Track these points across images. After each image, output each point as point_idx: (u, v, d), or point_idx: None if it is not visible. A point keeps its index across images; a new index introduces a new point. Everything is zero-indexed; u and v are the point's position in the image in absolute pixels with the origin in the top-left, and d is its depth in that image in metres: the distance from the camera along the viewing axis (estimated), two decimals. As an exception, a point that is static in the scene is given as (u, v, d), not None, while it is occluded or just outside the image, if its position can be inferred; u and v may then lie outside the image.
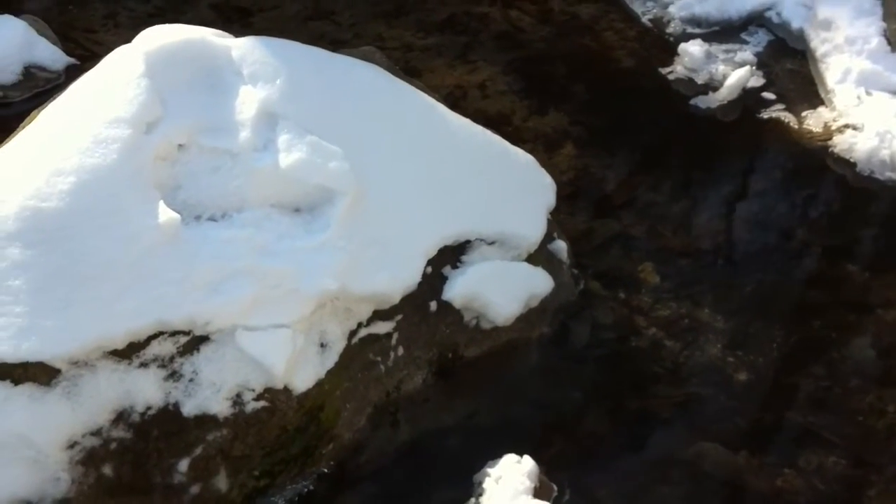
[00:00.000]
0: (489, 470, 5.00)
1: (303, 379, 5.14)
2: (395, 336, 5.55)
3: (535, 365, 5.95)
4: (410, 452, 5.40)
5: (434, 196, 5.73)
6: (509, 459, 4.96)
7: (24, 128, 5.41)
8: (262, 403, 5.03)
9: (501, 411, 5.64)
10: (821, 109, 7.77)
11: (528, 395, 5.77)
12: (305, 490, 5.19)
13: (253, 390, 5.03)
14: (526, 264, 5.90)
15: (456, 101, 6.31)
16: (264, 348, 4.98)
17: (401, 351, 5.60)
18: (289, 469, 5.23)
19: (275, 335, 5.01)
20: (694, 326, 6.20)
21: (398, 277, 5.45)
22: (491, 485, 4.88)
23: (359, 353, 5.42)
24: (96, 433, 4.83)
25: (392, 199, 5.56)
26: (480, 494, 4.96)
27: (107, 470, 4.84)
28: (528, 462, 4.92)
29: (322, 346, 5.26)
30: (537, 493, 4.87)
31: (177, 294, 4.92)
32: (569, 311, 6.19)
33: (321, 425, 5.25)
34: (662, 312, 6.29)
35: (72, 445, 4.78)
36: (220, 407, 5.00)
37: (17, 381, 4.79)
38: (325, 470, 5.28)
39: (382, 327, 5.48)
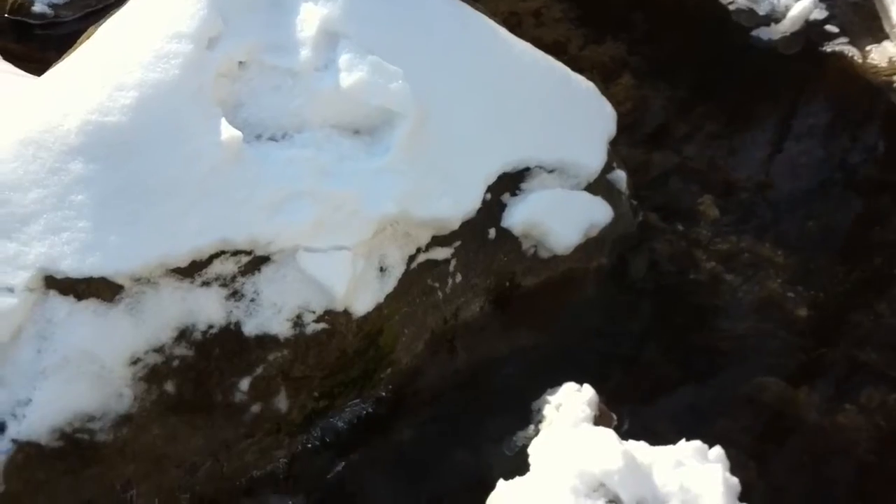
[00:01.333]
0: (549, 398, 4.96)
1: (362, 302, 5.08)
2: (454, 263, 5.48)
3: (593, 296, 5.87)
4: (468, 379, 5.36)
5: (495, 122, 5.63)
6: (569, 388, 4.91)
7: (81, 44, 5.33)
8: (322, 326, 4.99)
9: (559, 341, 5.58)
10: (885, 44, 7.55)
11: (585, 325, 5.70)
12: (364, 413, 5.18)
13: (313, 312, 4.98)
14: (586, 193, 5.80)
15: (511, 29, 6.15)
16: (325, 270, 4.92)
17: (458, 278, 5.53)
18: (348, 392, 5.20)
19: (335, 257, 4.96)
20: (754, 261, 6.09)
21: (458, 203, 5.37)
22: (551, 412, 4.84)
23: (417, 279, 5.36)
24: (159, 350, 4.81)
25: (453, 124, 5.45)
26: (540, 421, 4.92)
27: (169, 387, 4.83)
28: (588, 391, 4.88)
29: (381, 270, 5.21)
30: (597, 422, 4.83)
31: (240, 214, 4.86)
32: (627, 243, 6.09)
33: (380, 350, 5.21)
34: (722, 246, 6.18)
35: (135, 362, 4.77)
36: (280, 328, 4.95)
37: (80, 297, 4.76)
38: (384, 394, 5.25)
39: (441, 253, 5.41)
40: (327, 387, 5.13)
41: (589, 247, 5.86)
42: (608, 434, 4.27)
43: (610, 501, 4.05)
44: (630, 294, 5.88)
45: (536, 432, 4.86)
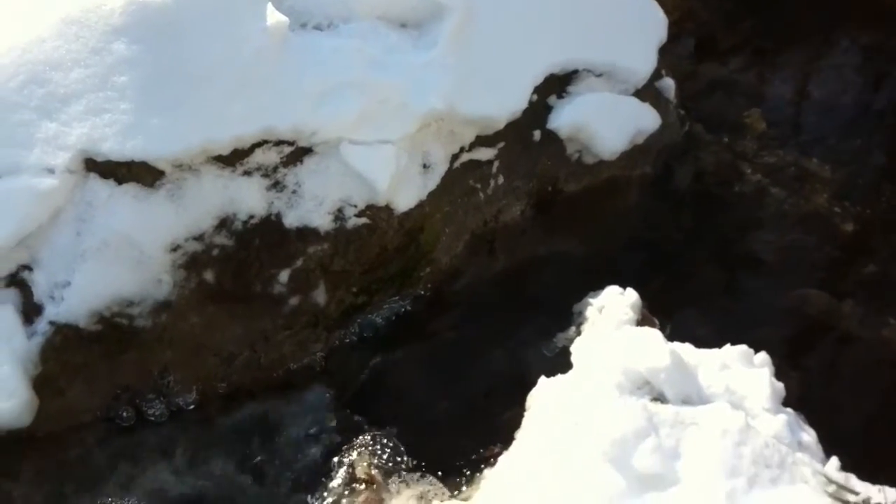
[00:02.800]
0: (591, 300, 4.89)
1: (405, 198, 5.01)
2: (497, 164, 5.39)
3: (636, 204, 5.79)
4: (507, 281, 5.31)
5: (544, 22, 5.50)
6: (612, 291, 4.84)
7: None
8: (363, 220, 4.92)
9: (600, 247, 5.51)
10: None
11: (627, 233, 5.63)
12: (402, 310, 5.13)
13: (355, 206, 4.92)
14: (634, 99, 5.67)
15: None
16: (368, 163, 4.84)
17: (501, 180, 5.44)
18: (386, 288, 5.15)
19: (379, 151, 4.87)
20: (801, 175, 5.97)
21: (504, 102, 5.27)
22: (594, 314, 4.77)
23: (460, 178, 5.27)
24: (199, 238, 4.75)
25: (502, 22, 5.33)
26: (581, 323, 4.86)
27: (208, 276, 4.78)
28: (631, 294, 4.80)
29: (425, 167, 5.12)
30: (640, 325, 4.74)
31: (284, 102, 4.77)
32: (672, 153, 5.98)
33: (420, 248, 5.15)
34: (768, 159, 6.05)
35: (174, 249, 4.72)
36: (321, 221, 4.90)
37: (121, 181, 4.70)
38: (422, 292, 5.20)
39: (484, 153, 5.32)
40: (366, 282, 5.08)
41: (634, 154, 5.74)
42: (654, 333, 4.21)
43: (654, 399, 3.99)
44: (674, 203, 5.79)
45: (578, 333, 4.80)
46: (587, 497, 3.63)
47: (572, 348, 4.45)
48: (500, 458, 4.14)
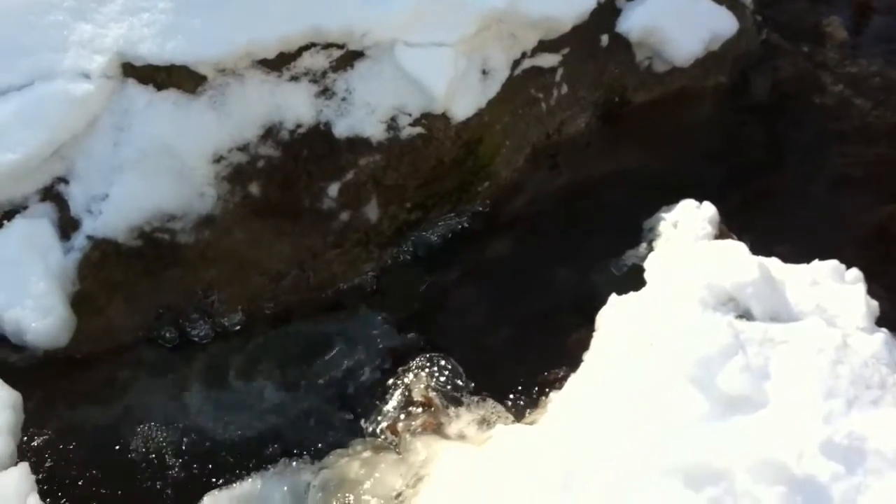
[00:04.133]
0: (664, 215, 4.53)
1: (463, 106, 4.66)
2: (560, 72, 5.00)
3: (710, 116, 5.39)
4: (570, 197, 4.97)
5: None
6: (688, 204, 4.46)
7: None
8: (418, 130, 4.58)
9: (671, 162, 5.13)
10: None
11: (701, 147, 5.23)
12: (459, 227, 4.82)
13: (409, 115, 4.58)
14: (709, 1, 5.20)
15: None
16: (424, 67, 4.48)
17: (564, 89, 5.05)
18: (442, 204, 4.85)
19: (436, 54, 4.51)
20: (886, 86, 5.52)
21: (570, 2, 4.86)
22: (668, 229, 4.40)
23: (521, 87, 4.90)
24: (243, 149, 4.44)
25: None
26: (654, 239, 4.49)
27: (254, 189, 4.47)
28: (708, 208, 4.42)
29: (484, 73, 4.74)
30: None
31: (334, 0, 4.37)
32: (749, 61, 5.56)
33: (479, 160, 4.80)
34: (850, 69, 5.59)
35: (218, 160, 4.42)
36: (373, 130, 4.57)
37: (160, 87, 4.41)
38: (481, 208, 4.87)
39: (548, 60, 4.93)
40: (421, 197, 4.79)
41: (708, 62, 5.33)
42: (739, 246, 3.81)
43: (740, 316, 3.62)
44: (751, 116, 5.40)
45: (650, 250, 4.45)
46: (666, 420, 3.29)
47: (645, 264, 4.11)
48: (568, 381, 3.78)
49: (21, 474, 3.46)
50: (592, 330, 4.10)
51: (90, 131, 4.40)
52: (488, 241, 4.79)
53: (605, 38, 5.05)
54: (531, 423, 3.85)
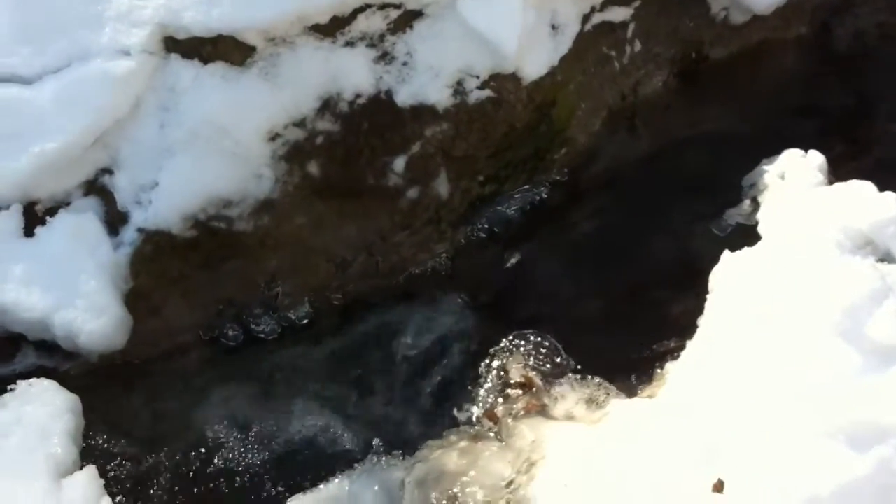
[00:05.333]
0: (767, 167, 4.09)
1: (534, 64, 4.28)
2: (632, 27, 4.62)
3: (795, 70, 4.98)
4: (653, 161, 4.58)
5: None
6: (792, 154, 4.06)
7: None
8: (487, 93, 4.19)
9: (759, 118, 4.74)
10: None
11: (790, 101, 4.84)
12: (537, 199, 4.43)
13: (477, 77, 4.20)
14: (787, -58, 4.76)
15: None
16: (491, 20, 4.10)
17: (638, 46, 4.65)
18: (517, 175, 4.47)
19: (503, 6, 4.10)
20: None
21: (641, -52, 4.42)
22: (773, 181, 4.01)
23: (592, 44, 4.52)
24: (300, 124, 4.07)
25: None
26: (758, 194, 4.05)
27: (313, 168, 4.09)
28: (816, 156, 4.00)
29: (553, 28, 4.33)
30: (828, 190, 3.90)
31: (388, -47, 3.99)
32: (828, 11, 5.09)
33: (553, 125, 4.41)
34: (934, 16, 5.12)
35: (273, 137, 4.05)
36: (439, 96, 4.20)
37: (206, 60, 4.06)
38: (558, 178, 4.48)
39: (618, 14, 4.56)
40: (493, 168, 4.41)
41: (787, 12, 4.92)
42: (867, 185, 3.36)
43: (881, 259, 3.16)
44: (835, 67, 4.93)
45: (755, 206, 4.05)
46: (816, 379, 2.84)
47: (759, 216, 3.79)
48: (686, 350, 3.33)
49: (88, 478, 3.05)
50: (697, 297, 3.69)
51: (134, 114, 4.05)
52: (570, 211, 4.39)
53: (677, -12, 4.60)
54: (650, 398, 3.38)
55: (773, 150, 4.34)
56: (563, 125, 4.42)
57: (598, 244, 4.28)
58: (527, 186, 4.46)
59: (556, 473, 3.13)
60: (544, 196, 4.42)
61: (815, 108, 4.77)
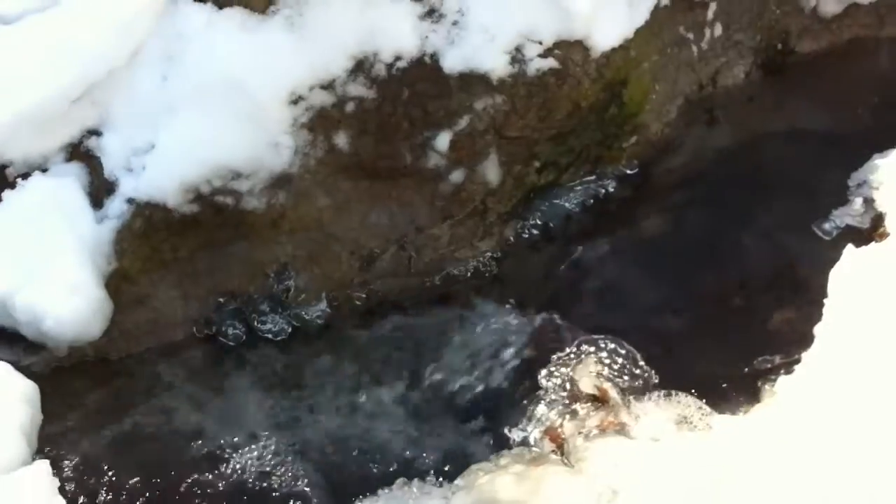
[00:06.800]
0: (879, 162, 3.41)
1: (607, 33, 3.71)
2: (713, 8, 4.08)
3: (887, 69, 4.23)
4: (736, 157, 4.05)
5: None
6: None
7: None
8: (550, 63, 3.61)
9: (852, 118, 4.25)
10: None
11: (885, 101, 4.17)
12: (602, 193, 3.72)
13: (540, 43, 3.64)
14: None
15: None
16: (562, -25, 3.42)
17: (718, 30, 4.09)
18: (580, 164, 3.90)
19: (576, -41, 3.44)
20: None
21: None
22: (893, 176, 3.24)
23: (669, 21, 3.99)
24: (328, 87, 3.47)
25: None
26: (871, 192, 3.44)
27: (340, 140, 3.45)
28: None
29: (629, -5, 3.68)
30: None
31: None
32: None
33: (624, 108, 3.80)
34: None
35: (295, 100, 3.45)
36: (493, 63, 3.62)
37: (222, 4, 3.42)
38: (628, 170, 3.83)
39: (698, -8, 3.87)
40: (553, 154, 3.80)
41: (882, 9, 4.34)
42: None
43: None
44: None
45: (866, 207, 3.33)
46: None
47: (884, 211, 2.96)
48: (802, 363, 2.60)
49: (38, 474, 2.30)
50: (802, 305, 3.24)
51: (132, 64, 3.46)
52: (640, 208, 3.77)
53: (764, -31, 4.01)
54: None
55: (880, 149, 3.63)
56: (635, 109, 3.82)
57: (675, 246, 3.65)
58: (591, 178, 3.84)
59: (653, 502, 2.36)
60: (610, 190, 3.83)
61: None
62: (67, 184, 3.47)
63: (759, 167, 3.96)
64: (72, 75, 3.46)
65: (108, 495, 3.09)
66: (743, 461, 2.54)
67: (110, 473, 3.09)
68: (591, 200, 3.85)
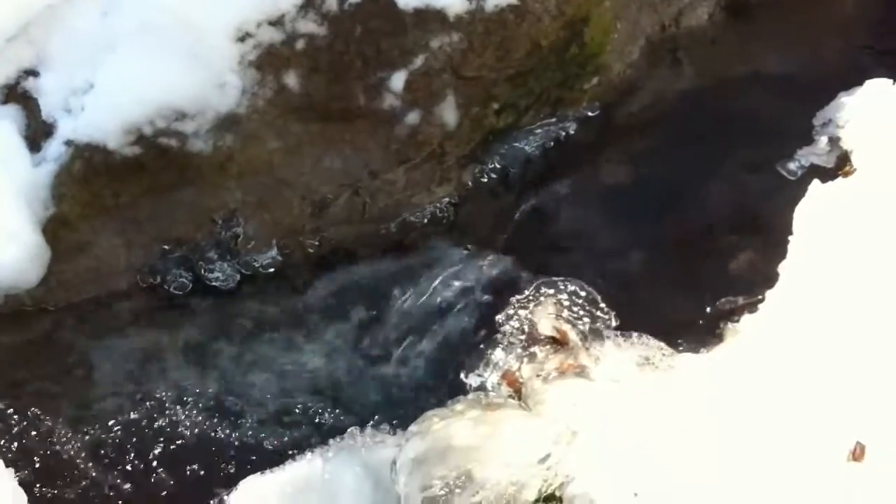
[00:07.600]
0: (845, 100, 3.50)
1: (567, -33, 3.42)
2: (674, -56, 3.81)
3: (854, 14, 4.20)
4: (700, 99, 3.94)
5: None
6: (878, 84, 3.38)
7: None
8: (508, 0, 3.30)
9: (819, 60, 4.09)
10: None
11: (850, 43, 4.19)
12: (562, 135, 3.59)
13: (497, -23, 3.35)
14: None
15: None
16: None
17: (681, -32, 3.86)
18: (540, 105, 3.78)
19: None
20: None
21: None
22: (858, 114, 3.24)
23: (629, -40, 3.70)
24: (277, 23, 3.38)
25: None
26: (836, 131, 3.48)
27: (290, 80, 3.32)
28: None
29: (586, -75, 3.55)
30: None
31: None
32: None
33: (585, 48, 3.67)
34: None
35: (243, 37, 3.30)
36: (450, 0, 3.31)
37: (165, -69, 3.18)
38: (589, 112, 3.69)
39: (659, -76, 3.76)
40: (512, 96, 3.68)
41: (848, -52, 4.16)
42: None
43: None
44: (899, 8, 4.17)
45: (832, 146, 3.26)
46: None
47: (849, 148, 2.88)
48: (766, 301, 2.51)
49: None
50: (767, 245, 3.13)
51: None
52: (602, 152, 3.68)
53: None
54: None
55: (846, 88, 3.54)
56: (596, 49, 3.71)
57: (638, 189, 3.55)
58: (551, 120, 3.72)
59: (615, 442, 2.28)
60: (571, 133, 3.71)
61: (887, 52, 3.98)
62: (3, 126, 3.31)
63: (723, 109, 3.85)
64: (5, 12, 3.28)
65: (43, 452, 2.95)
66: (705, 400, 2.45)
67: (43, 425, 2.94)
68: (552, 143, 3.73)
